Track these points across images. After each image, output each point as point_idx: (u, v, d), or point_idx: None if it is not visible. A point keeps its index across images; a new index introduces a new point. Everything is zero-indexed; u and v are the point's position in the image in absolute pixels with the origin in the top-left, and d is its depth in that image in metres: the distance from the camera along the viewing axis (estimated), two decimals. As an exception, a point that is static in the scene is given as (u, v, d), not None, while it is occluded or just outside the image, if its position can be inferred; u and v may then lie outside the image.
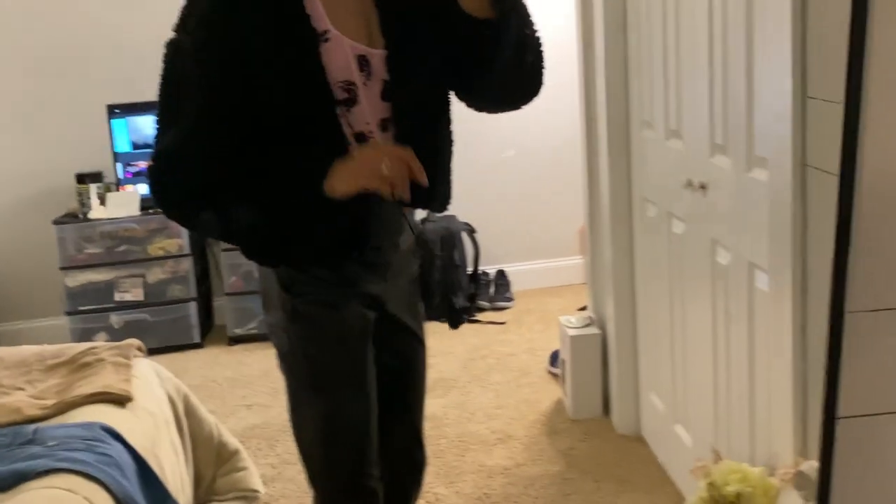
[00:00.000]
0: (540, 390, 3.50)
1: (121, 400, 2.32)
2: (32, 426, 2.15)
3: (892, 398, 0.96)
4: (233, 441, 2.74)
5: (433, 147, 1.66)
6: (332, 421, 1.69)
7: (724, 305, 2.16)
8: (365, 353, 1.68)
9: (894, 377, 0.97)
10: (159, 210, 1.69)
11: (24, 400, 2.33)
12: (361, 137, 1.59)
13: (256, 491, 2.72)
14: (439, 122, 1.69)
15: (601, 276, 3.17)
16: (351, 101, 1.54)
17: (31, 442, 2.09)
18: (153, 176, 1.54)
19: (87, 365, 2.47)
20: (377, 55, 1.56)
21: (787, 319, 1.71)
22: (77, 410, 2.27)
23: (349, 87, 1.53)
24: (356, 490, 1.72)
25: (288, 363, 1.73)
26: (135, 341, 2.65)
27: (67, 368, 2.49)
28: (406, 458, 1.91)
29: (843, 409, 0.91)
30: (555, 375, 3.55)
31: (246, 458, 2.75)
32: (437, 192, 1.69)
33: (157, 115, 1.53)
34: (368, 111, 1.57)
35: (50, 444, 2.07)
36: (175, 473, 2.40)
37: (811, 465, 1.46)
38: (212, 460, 2.68)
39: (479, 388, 3.57)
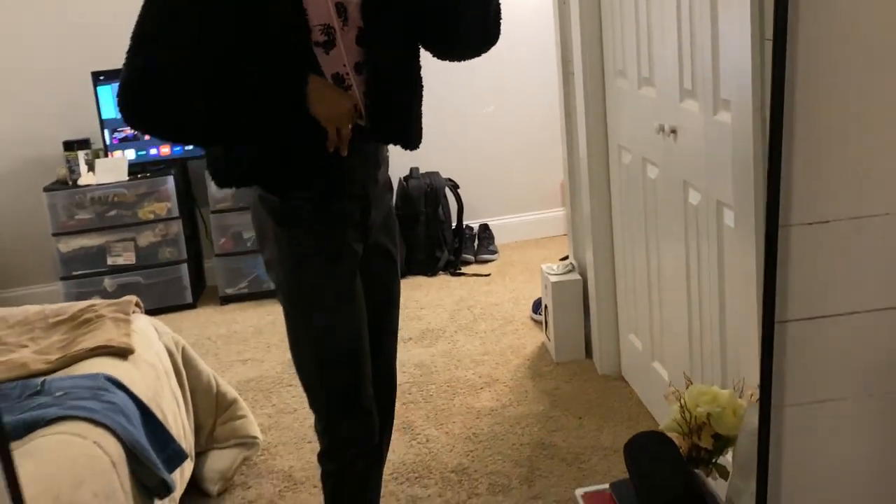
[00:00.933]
0: (524, 337, 3.63)
1: (122, 353, 2.42)
2: (39, 379, 2.25)
3: (830, 303, 1.06)
4: (230, 391, 2.85)
5: (404, 89, 1.83)
6: (328, 344, 1.81)
7: (696, 244, 2.27)
8: (355, 278, 1.81)
9: (831, 284, 1.07)
10: (133, 130, 1.77)
11: (30, 356, 2.43)
12: (338, 78, 1.73)
13: (255, 437, 2.83)
14: (411, 66, 1.84)
15: (581, 226, 3.28)
16: (329, 44, 1.70)
17: (39, 393, 2.19)
18: (134, 88, 1.58)
19: (87, 321, 2.57)
20: (353, 3, 1.72)
21: (751, 252, 1.82)
22: (81, 364, 2.37)
23: (328, 30, 1.68)
24: (354, 410, 1.85)
25: (285, 293, 1.85)
26: (132, 298, 2.75)
27: (69, 325, 2.58)
28: (383, 383, 2.03)
29: (782, 314, 1.01)
30: (538, 322, 3.67)
31: (244, 407, 2.86)
32: (409, 130, 1.85)
33: (139, 32, 1.59)
34: (345, 54, 1.72)
35: (57, 394, 2.17)
36: (177, 422, 2.51)
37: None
38: (211, 409, 2.79)
39: (465, 337, 3.69)
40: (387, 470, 2.74)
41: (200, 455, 2.75)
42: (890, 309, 1.07)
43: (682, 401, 1.85)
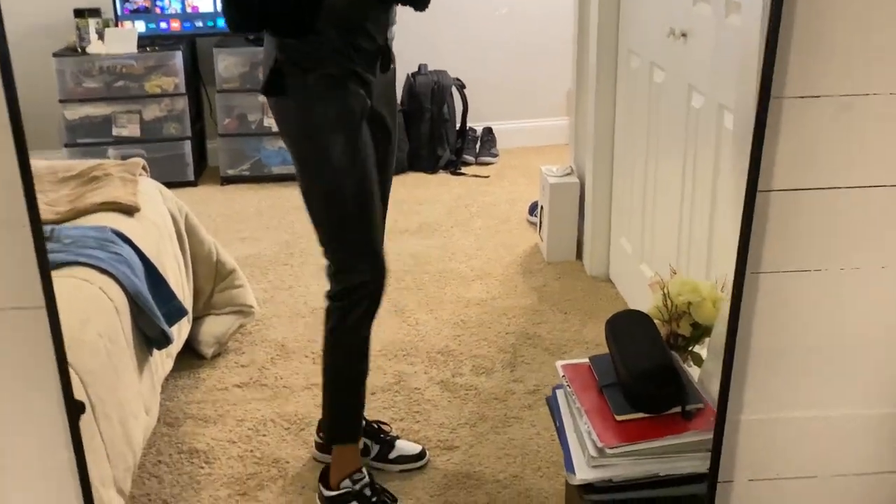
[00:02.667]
0: (518, 236, 3.71)
1: (129, 210, 2.49)
2: (49, 227, 2.32)
3: (813, 176, 1.11)
4: (230, 260, 2.93)
5: None
6: (339, 195, 1.91)
7: (695, 146, 2.33)
8: (362, 129, 1.89)
9: (817, 158, 1.13)
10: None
11: (39, 206, 2.49)
12: None
13: (251, 306, 2.93)
14: None
15: (584, 132, 3.32)
16: None
17: (48, 240, 2.26)
18: None
19: (96, 178, 2.63)
20: None
21: (747, 145, 1.88)
22: (88, 217, 2.43)
23: None
24: (366, 256, 1.96)
25: (299, 144, 1.93)
26: (139, 160, 2.80)
27: (78, 181, 2.64)
28: None
29: (766, 183, 1.07)
30: (532, 224, 3.75)
31: (242, 277, 2.94)
32: None
33: None
34: None
35: (66, 241, 2.25)
36: (177, 284, 2.60)
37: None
38: (210, 276, 2.88)
39: (461, 232, 3.77)
40: (376, 346, 2.84)
41: (197, 319, 2.85)
42: (871, 187, 1.13)
43: (665, 289, 1.94)
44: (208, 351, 2.82)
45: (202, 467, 2.31)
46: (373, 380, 2.65)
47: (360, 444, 2.18)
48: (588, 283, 3.25)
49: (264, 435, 2.43)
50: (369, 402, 2.57)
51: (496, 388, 2.63)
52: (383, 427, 2.34)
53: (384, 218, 2.11)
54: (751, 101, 1.89)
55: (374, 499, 2.06)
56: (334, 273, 2.00)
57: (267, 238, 3.76)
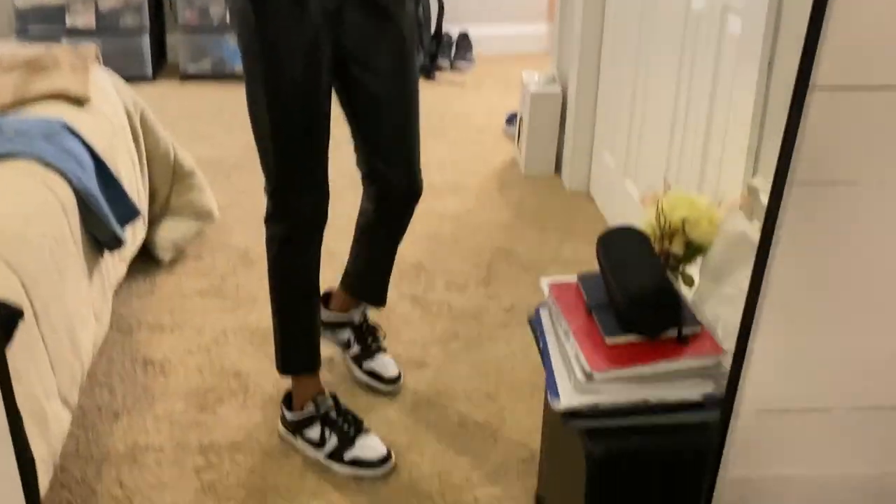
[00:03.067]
0: (494, 148, 3.55)
1: (79, 100, 2.30)
2: (-10, 116, 2.13)
3: (868, 72, 0.97)
4: (189, 161, 2.75)
5: None
6: (277, 115, 1.76)
7: (692, 53, 2.18)
8: (293, 50, 1.70)
9: (874, 52, 0.98)
10: None
11: (-21, 93, 2.29)
12: None
13: (211, 210, 2.76)
14: None
15: (569, 38, 3.14)
16: None
17: (-11, 130, 2.07)
18: None
19: (44, 66, 2.42)
20: None
21: (756, 56, 1.73)
22: (35, 107, 2.24)
23: None
24: (299, 183, 1.81)
25: (244, 56, 1.77)
26: (92, 47, 2.59)
27: (24, 69, 2.43)
28: (400, 188, 2.03)
29: (819, 78, 0.93)
30: (510, 136, 3.59)
31: (201, 179, 2.77)
32: None
33: None
34: None
35: (8, 133, 2.05)
36: (131, 183, 2.42)
37: (762, 181, 1.53)
38: (167, 177, 2.70)
39: (433, 141, 3.59)
40: (342, 259, 2.71)
41: (154, 223, 2.68)
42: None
43: (660, 204, 1.81)
44: (165, 256, 2.66)
45: (157, 378, 2.17)
46: (340, 292, 2.52)
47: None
48: (567, 199, 3.12)
49: (224, 346, 2.30)
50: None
51: (470, 305, 2.51)
52: (377, 333, 2.21)
53: (407, 130, 1.95)
54: (760, 6, 1.74)
55: (339, 420, 1.94)
56: (269, 193, 1.85)
57: (230, 140, 3.56)
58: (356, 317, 2.20)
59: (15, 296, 1.60)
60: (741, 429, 1.21)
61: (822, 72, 0.94)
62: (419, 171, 2.01)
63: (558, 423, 1.66)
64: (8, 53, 2.53)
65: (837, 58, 0.94)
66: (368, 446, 1.91)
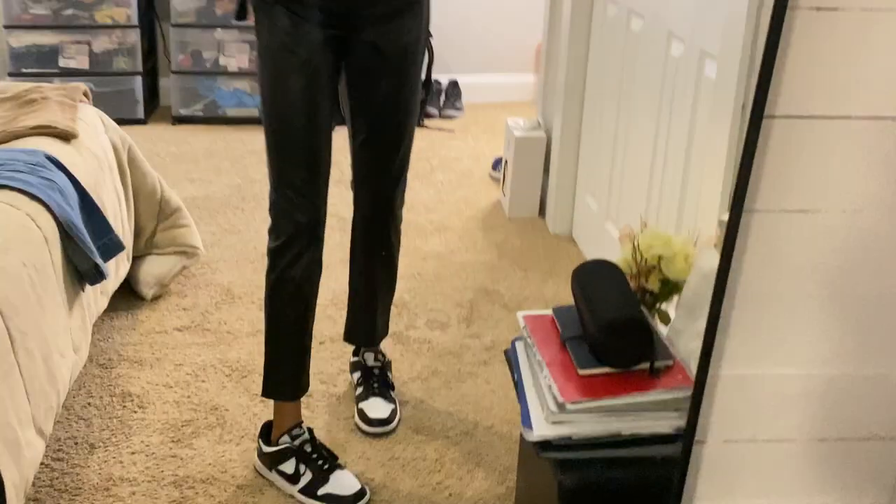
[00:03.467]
0: (480, 192, 3.59)
1: (66, 136, 2.32)
2: (-25, 148, 2.15)
3: (823, 103, 0.99)
4: (175, 198, 2.77)
5: None
6: (275, 125, 1.83)
7: (671, 97, 2.22)
8: (293, 63, 1.77)
9: (829, 82, 1.01)
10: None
11: (-33, 127, 2.31)
12: None
13: (196, 247, 2.77)
14: None
15: (553, 85, 3.20)
16: None
17: (-27, 161, 2.09)
18: None
19: (32, 101, 2.44)
20: None
21: (731, 98, 1.77)
22: (21, 141, 2.26)
23: None
24: (292, 190, 1.85)
25: (257, 49, 1.86)
26: (81, 85, 2.62)
27: (12, 104, 2.46)
28: (373, 214, 2.14)
29: (771, 109, 0.96)
30: (495, 179, 3.63)
31: (187, 216, 2.79)
32: None
33: None
34: None
35: (-8, 163, 2.07)
36: (117, 220, 2.43)
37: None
38: (153, 214, 2.71)
39: (420, 185, 3.63)
40: (326, 296, 2.72)
41: (138, 259, 2.69)
42: (877, 118, 1.02)
43: (636, 242, 1.83)
44: (148, 292, 2.67)
45: (135, 411, 2.16)
46: (323, 329, 2.53)
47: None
48: (550, 241, 3.14)
49: (203, 381, 2.29)
50: (318, 352, 2.45)
51: (451, 343, 2.52)
52: (382, 377, 2.21)
53: (388, 165, 2.01)
54: (740, 42, 1.78)
55: (313, 455, 1.93)
56: (270, 204, 1.91)
57: (218, 181, 3.60)
58: (369, 360, 2.24)
59: (-8, 322, 1.60)
60: (708, 458, 1.22)
61: (780, 104, 0.97)
62: (393, 196, 2.08)
63: (533, 457, 1.66)
64: (-2, 88, 2.56)
65: (793, 88, 0.97)
66: (342, 482, 1.90)
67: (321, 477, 1.90)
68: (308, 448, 1.94)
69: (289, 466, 1.92)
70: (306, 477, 1.90)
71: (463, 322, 2.62)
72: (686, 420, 1.21)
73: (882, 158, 1.07)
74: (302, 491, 1.90)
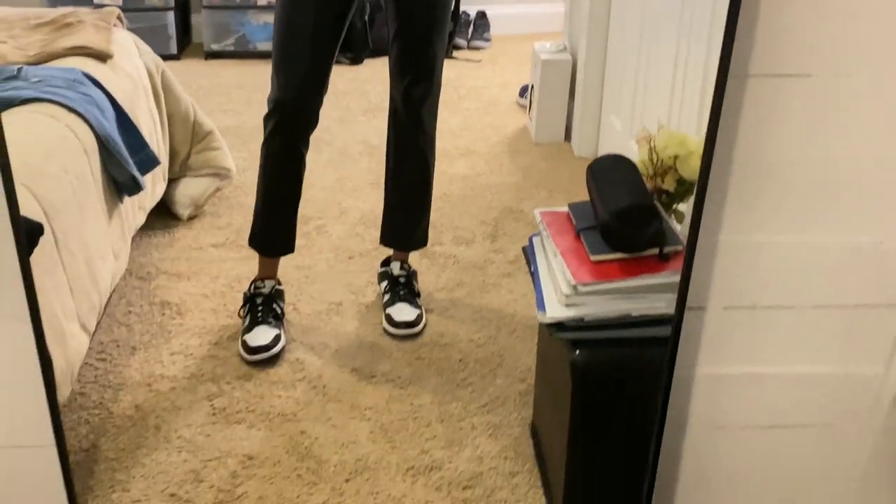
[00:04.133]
0: (506, 118, 3.63)
1: (101, 56, 2.40)
2: (16, 66, 2.23)
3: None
4: (207, 122, 2.85)
5: None
6: (278, 36, 2.05)
7: (692, 6, 2.24)
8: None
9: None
10: None
11: (8, 49, 2.40)
12: None
13: (229, 169, 2.86)
14: None
15: (579, 11, 3.21)
16: None
17: (15, 77, 2.18)
18: None
19: (69, 24, 2.52)
20: None
21: None
22: (59, 61, 2.34)
23: None
24: (283, 90, 2.09)
25: None
26: (114, 9, 2.70)
27: (50, 27, 2.54)
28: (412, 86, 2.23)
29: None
30: (522, 106, 3.66)
31: (220, 139, 2.87)
32: None
33: None
34: None
35: (34, 80, 2.16)
36: (151, 139, 2.52)
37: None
38: (187, 137, 2.80)
39: (447, 113, 3.66)
40: (355, 215, 2.81)
41: (173, 181, 2.78)
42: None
43: (652, 142, 1.88)
44: (184, 212, 2.76)
45: (174, 318, 2.27)
46: (352, 245, 2.62)
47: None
48: (575, 164, 3.18)
49: (238, 291, 2.39)
50: (347, 265, 2.54)
51: (476, 258, 2.59)
52: (409, 284, 2.34)
53: (420, 57, 2.16)
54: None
55: (259, 307, 2.18)
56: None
57: (249, 111, 3.67)
58: (395, 269, 2.35)
59: (36, 219, 1.70)
60: (708, 325, 1.28)
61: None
62: (423, 96, 2.20)
63: (548, 346, 1.74)
64: (35, 14, 2.64)
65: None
66: (257, 335, 2.12)
67: (250, 325, 2.15)
68: (258, 300, 2.19)
69: (243, 310, 2.22)
70: (245, 321, 2.18)
71: (487, 238, 2.69)
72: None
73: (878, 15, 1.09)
74: (242, 332, 2.16)
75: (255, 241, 2.28)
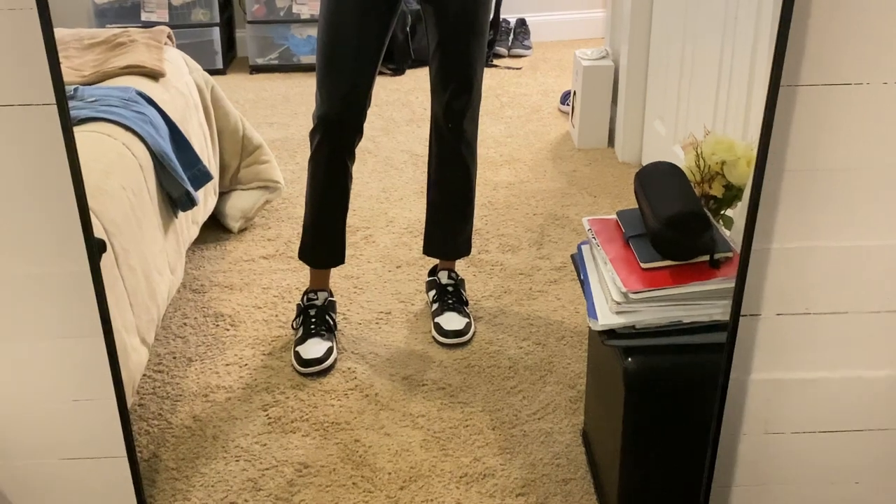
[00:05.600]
0: (549, 125, 3.64)
1: (154, 74, 2.46)
2: (72, 86, 2.30)
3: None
4: (256, 136, 2.90)
5: None
6: (321, 44, 2.08)
7: (735, 8, 2.25)
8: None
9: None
10: None
11: (64, 69, 2.46)
12: None
13: (278, 182, 2.91)
14: None
15: (621, 13, 3.22)
16: None
17: (72, 98, 2.24)
18: None
19: (121, 44, 2.59)
20: None
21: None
22: (113, 80, 2.41)
23: None
24: (326, 99, 2.11)
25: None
26: (165, 28, 2.76)
27: (103, 47, 2.61)
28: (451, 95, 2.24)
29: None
30: (564, 113, 3.67)
31: (268, 153, 2.92)
32: None
33: None
34: None
35: (89, 100, 2.23)
36: (203, 154, 2.57)
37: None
38: (237, 151, 2.85)
39: (490, 121, 3.70)
40: (402, 224, 2.84)
41: (224, 195, 2.84)
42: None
43: (699, 149, 1.88)
44: (235, 225, 2.82)
45: (227, 329, 2.32)
46: (399, 254, 2.65)
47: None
48: (619, 169, 3.19)
49: (289, 301, 2.43)
50: (395, 274, 2.57)
51: (522, 265, 2.61)
52: (457, 293, 2.36)
53: (459, 65, 2.17)
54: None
55: (312, 318, 2.21)
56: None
57: (295, 123, 3.73)
58: (442, 278, 2.38)
59: (98, 236, 1.75)
60: (762, 331, 1.28)
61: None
62: (463, 107, 2.22)
63: (599, 353, 1.75)
64: (89, 34, 2.71)
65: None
66: (310, 348, 2.15)
67: (303, 337, 2.19)
68: (312, 311, 2.22)
69: (296, 322, 2.26)
70: (298, 333, 2.22)
71: (533, 245, 2.70)
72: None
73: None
74: (294, 343, 2.20)
75: (305, 253, 2.31)
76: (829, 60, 1.10)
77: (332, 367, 2.14)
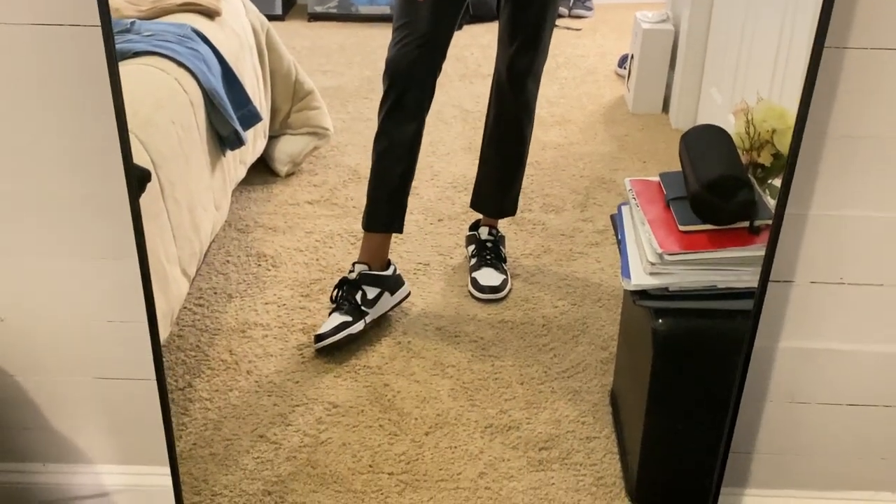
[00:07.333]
0: (604, 87, 3.60)
1: (210, 13, 2.47)
2: (129, 20, 2.33)
3: None
4: (308, 81, 2.92)
5: None
6: (398, 25, 2.05)
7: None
8: None
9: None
10: None
11: (122, 3, 2.50)
12: None
13: (327, 129, 2.93)
14: None
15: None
16: None
17: (128, 31, 2.27)
18: None
19: (179, -18, 2.61)
20: None
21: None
22: (170, 17, 2.43)
23: None
24: (399, 70, 2.05)
25: None
26: (224, -32, 2.77)
27: (161, -16, 2.63)
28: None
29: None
30: (620, 76, 3.62)
31: (319, 99, 2.94)
32: None
33: None
34: None
35: (145, 34, 2.25)
36: (254, 96, 2.60)
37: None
38: (288, 96, 2.87)
39: (544, 80, 3.63)
40: (446, 179, 2.84)
41: (273, 138, 2.87)
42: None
43: (750, 115, 1.85)
44: (282, 169, 2.84)
45: (269, 269, 2.35)
46: (442, 208, 2.66)
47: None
48: (672, 135, 3.14)
49: (331, 247, 2.46)
50: (436, 227, 2.58)
51: (564, 226, 2.59)
52: (496, 250, 2.35)
53: (517, 44, 2.22)
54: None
55: (341, 293, 2.10)
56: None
57: (349, 73, 3.73)
58: (483, 234, 2.37)
59: (145, 167, 1.78)
60: (794, 299, 1.27)
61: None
62: (528, 66, 2.27)
63: (631, 314, 1.74)
64: (149, -28, 2.74)
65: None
66: (326, 322, 2.07)
67: (331, 311, 2.10)
68: (344, 285, 2.12)
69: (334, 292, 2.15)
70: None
71: (577, 207, 2.69)
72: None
73: None
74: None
75: (367, 220, 2.21)
76: (879, 24, 1.07)
77: (339, 342, 2.05)
